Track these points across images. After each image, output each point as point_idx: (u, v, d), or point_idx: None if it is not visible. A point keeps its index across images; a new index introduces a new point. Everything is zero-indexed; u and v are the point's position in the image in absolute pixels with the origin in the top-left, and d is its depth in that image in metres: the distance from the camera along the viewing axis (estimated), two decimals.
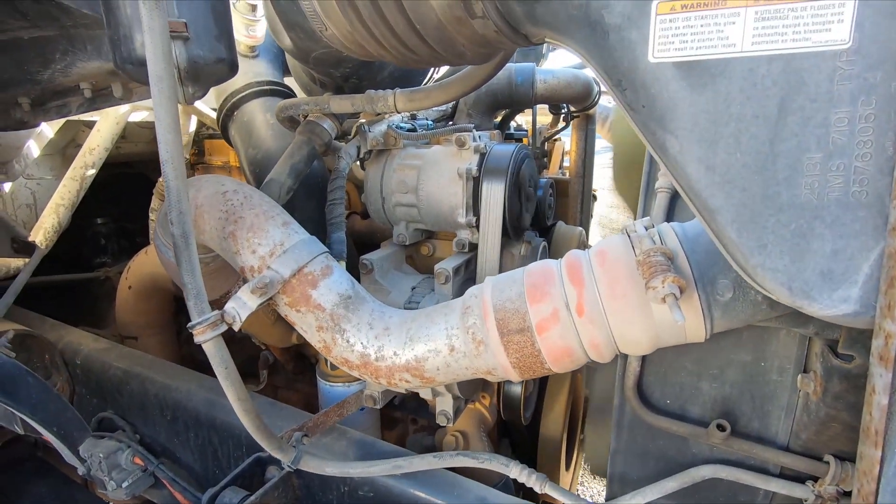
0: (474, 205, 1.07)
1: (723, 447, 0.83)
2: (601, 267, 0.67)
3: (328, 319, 0.82)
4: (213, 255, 1.03)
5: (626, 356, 0.89)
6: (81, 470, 1.37)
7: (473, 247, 1.14)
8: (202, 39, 0.73)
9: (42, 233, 1.48)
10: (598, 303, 0.66)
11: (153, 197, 1.94)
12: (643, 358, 0.87)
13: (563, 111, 1.63)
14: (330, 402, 1.41)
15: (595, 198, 1.96)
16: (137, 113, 1.72)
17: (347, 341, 0.81)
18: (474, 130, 1.11)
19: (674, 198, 0.84)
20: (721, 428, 0.80)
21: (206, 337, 0.77)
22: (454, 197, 1.07)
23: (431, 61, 0.66)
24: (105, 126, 1.56)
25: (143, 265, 1.60)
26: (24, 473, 1.91)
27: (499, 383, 1.38)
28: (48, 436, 0.75)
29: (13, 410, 0.67)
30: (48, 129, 1.50)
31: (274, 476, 1.15)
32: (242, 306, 0.79)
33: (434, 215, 1.12)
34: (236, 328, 0.80)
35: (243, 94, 1.21)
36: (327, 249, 0.88)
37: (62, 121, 1.57)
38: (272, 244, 0.83)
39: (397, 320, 0.83)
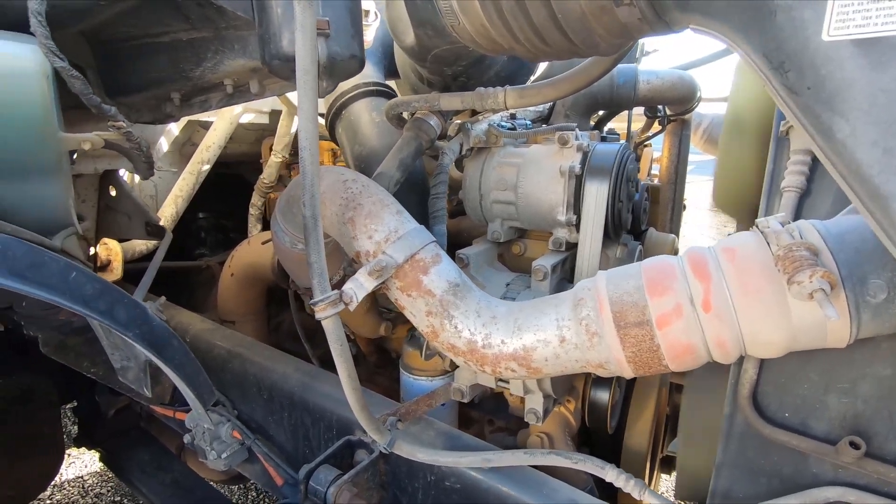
0: (575, 203, 1.07)
1: (853, 468, 0.77)
2: (731, 263, 0.65)
3: (437, 305, 0.84)
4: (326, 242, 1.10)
5: (740, 363, 0.85)
6: (188, 438, 1.49)
7: (570, 246, 1.14)
8: (340, 36, 0.79)
9: (162, 221, 1.63)
10: (727, 299, 0.64)
11: (254, 194, 2.10)
12: (761, 366, 0.83)
13: (659, 114, 1.59)
14: (412, 395, 1.44)
15: (684, 206, 1.89)
16: (247, 115, 1.87)
17: (455, 327, 0.84)
18: (576, 129, 1.11)
19: (802, 197, 0.79)
20: (855, 446, 0.74)
21: (327, 314, 0.82)
22: (554, 195, 1.08)
23: (561, 53, 0.67)
24: (221, 126, 1.71)
25: (245, 255, 1.73)
26: (130, 440, 2.10)
27: (584, 388, 1.35)
28: (187, 393, 0.82)
29: (164, 367, 0.75)
30: (175, 128, 1.67)
31: (363, 459, 1.19)
32: (360, 287, 0.83)
33: (531, 213, 1.13)
34: (352, 308, 0.84)
35: (352, 94, 1.29)
36: (435, 239, 0.92)
37: (185, 120, 1.74)
38: (387, 231, 0.87)
39: (504, 310, 0.84)
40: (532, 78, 1.33)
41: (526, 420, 1.14)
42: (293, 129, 1.90)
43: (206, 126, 1.87)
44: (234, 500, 2.56)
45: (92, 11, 0.76)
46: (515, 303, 0.86)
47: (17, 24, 0.72)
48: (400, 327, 1.66)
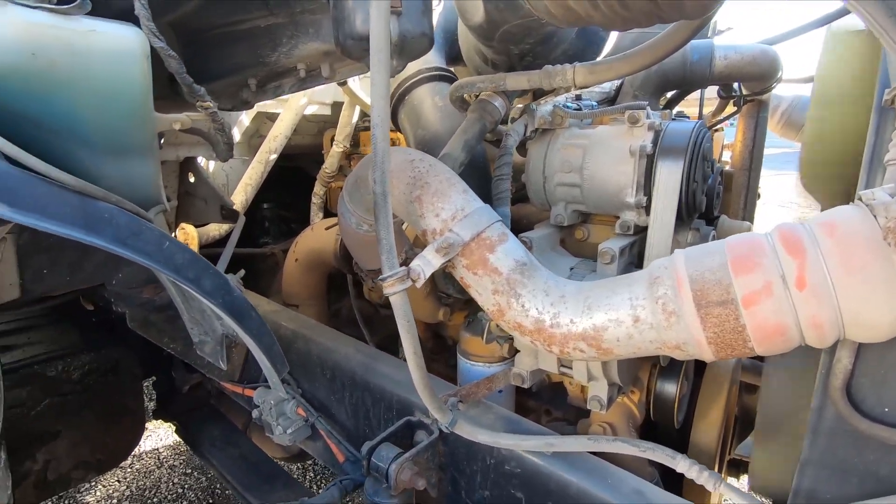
0: (645, 184, 1.03)
1: None
2: (830, 237, 0.60)
3: (504, 283, 0.84)
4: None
5: (831, 351, 0.79)
6: (256, 413, 1.56)
7: (638, 230, 1.10)
8: (411, 14, 0.79)
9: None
10: (825, 276, 0.59)
11: (316, 183, 2.17)
12: (857, 354, 0.76)
13: (734, 94, 1.50)
14: (469, 381, 1.44)
15: (759, 195, 1.78)
16: (310, 107, 1.93)
17: (522, 306, 0.83)
18: (648, 108, 1.07)
19: None
20: None
21: (395, 290, 0.83)
22: (623, 176, 1.04)
23: (641, 19, 0.64)
24: (287, 117, 1.78)
25: (309, 241, 1.79)
26: (201, 416, 2.23)
27: (649, 380, 1.30)
28: (263, 362, 0.86)
29: (243, 335, 0.79)
30: (245, 118, 1.76)
31: (423, 440, 1.21)
32: (427, 264, 0.84)
33: (597, 196, 1.10)
34: (419, 285, 0.85)
35: (415, 79, 1.31)
36: (501, 218, 0.91)
37: (255, 111, 1.82)
38: (454, 209, 0.88)
39: (573, 289, 0.82)
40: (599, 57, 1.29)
41: (588, 407, 1.11)
42: (354, 120, 1.95)
43: (272, 118, 1.96)
44: (294, 478, 2.67)
45: (182, 1, 0.81)
46: (585, 283, 0.84)
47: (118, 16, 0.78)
48: (457, 314, 1.67)
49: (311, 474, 2.91)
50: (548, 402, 1.60)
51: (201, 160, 1.56)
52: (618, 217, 1.11)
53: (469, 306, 1.68)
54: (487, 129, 1.11)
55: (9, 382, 1.64)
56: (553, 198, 1.17)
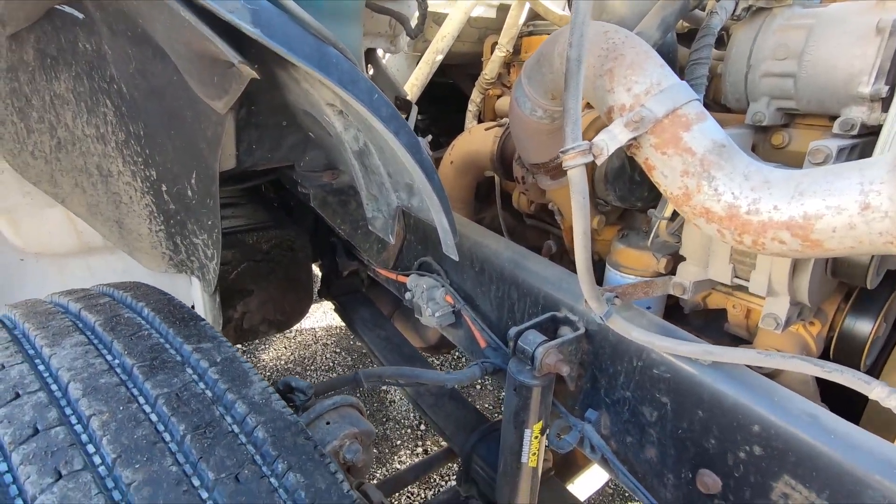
0: (890, 71, 0.85)
1: None
2: None
3: (697, 164, 0.78)
4: (558, 114, 1.09)
5: None
6: (409, 295, 1.72)
7: (864, 131, 0.93)
8: None
9: None
10: None
11: (474, 90, 2.18)
12: None
13: None
14: None
15: None
16: (477, 8, 1.90)
17: (715, 189, 0.77)
18: None
19: None
20: None
21: (575, 163, 0.82)
22: (859, 60, 0.87)
23: None
24: (455, 16, 1.78)
25: (466, 143, 1.83)
26: (355, 300, 2.54)
27: (836, 314, 1.15)
28: (441, 223, 0.93)
29: (428, 191, 0.86)
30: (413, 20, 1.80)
31: (566, 334, 1.23)
32: (612, 139, 0.81)
33: (817, 87, 0.94)
34: (600, 161, 0.83)
35: None
36: (699, 97, 0.83)
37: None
38: (649, 83, 0.82)
39: (781, 175, 0.74)
40: None
41: (761, 326, 1.03)
42: (520, 21, 1.88)
43: (439, 21, 1.97)
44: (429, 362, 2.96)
45: None
46: (797, 170, 0.74)
47: None
48: (608, 229, 1.62)
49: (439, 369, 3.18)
50: (699, 330, 1.51)
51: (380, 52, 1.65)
52: (835, 118, 0.95)
53: (623, 220, 1.61)
54: (689, 7, 0.99)
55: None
56: (755, 92, 1.02)
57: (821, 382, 1.23)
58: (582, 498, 1.71)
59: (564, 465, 1.88)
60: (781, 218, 0.71)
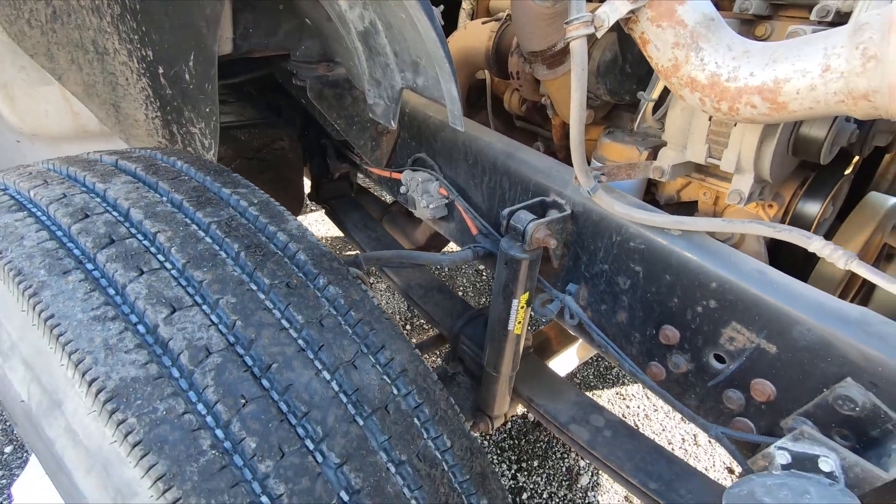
0: None
1: None
2: None
3: (687, 36, 0.86)
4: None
5: None
6: (403, 189, 1.81)
7: (839, 19, 1.01)
8: None
9: None
10: None
11: None
12: None
13: None
14: None
15: None
16: None
17: (701, 59, 0.86)
18: None
19: None
20: None
21: (577, 34, 0.89)
22: None
23: None
24: None
25: (461, 38, 1.84)
26: (346, 204, 2.61)
27: (792, 198, 1.30)
28: (449, 92, 1.00)
29: (441, 63, 0.92)
30: None
31: (555, 214, 1.35)
32: (614, 10, 0.88)
33: None
34: (600, 33, 0.90)
35: None
36: None
37: None
38: None
39: (760, 46, 0.83)
40: None
41: (728, 202, 1.16)
42: None
43: None
44: None
45: None
46: (774, 42, 0.83)
47: None
48: (595, 129, 1.70)
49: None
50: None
51: None
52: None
53: (609, 120, 1.70)
54: None
55: None
56: None
57: (777, 262, 1.40)
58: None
59: (541, 348, 2.10)
60: (755, 83, 0.81)
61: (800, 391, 0.99)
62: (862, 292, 1.59)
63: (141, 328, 0.58)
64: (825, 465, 0.82)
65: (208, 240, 0.70)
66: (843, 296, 1.46)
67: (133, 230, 0.67)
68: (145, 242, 0.66)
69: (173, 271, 0.64)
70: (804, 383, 0.98)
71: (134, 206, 0.70)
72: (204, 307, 0.61)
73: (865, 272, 0.89)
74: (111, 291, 0.60)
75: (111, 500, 0.51)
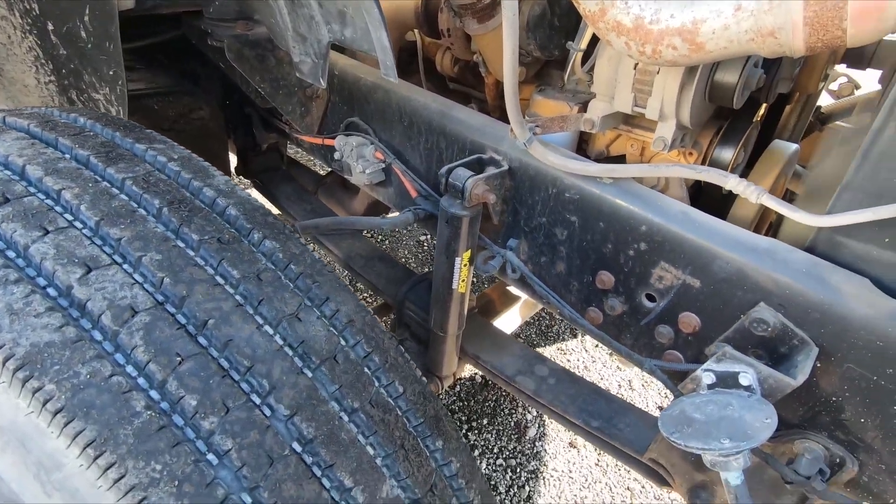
0: None
1: None
2: None
3: None
4: None
5: None
6: (337, 155, 1.75)
7: None
8: None
9: None
10: None
11: None
12: None
13: None
14: None
15: None
16: None
17: (626, 3, 0.88)
18: None
19: None
20: None
21: None
22: None
23: None
24: None
25: None
26: (275, 176, 2.49)
27: (709, 146, 1.39)
28: (380, 41, 0.96)
29: (370, 10, 0.88)
30: None
31: (492, 170, 1.36)
32: None
33: None
34: None
35: None
36: None
37: None
38: None
39: None
40: None
41: (653, 148, 1.22)
42: None
43: None
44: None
45: None
46: None
47: None
48: (527, 88, 1.72)
49: None
50: None
51: None
52: None
53: (539, 78, 1.72)
54: None
55: None
56: None
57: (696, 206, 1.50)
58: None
59: (485, 309, 2.14)
60: (675, 24, 0.84)
61: (721, 320, 1.07)
62: (770, 232, 1.75)
63: (52, 290, 0.52)
64: (744, 379, 0.90)
65: (124, 196, 0.64)
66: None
67: (31, 188, 0.60)
68: (48, 201, 0.59)
69: (85, 230, 0.58)
70: (724, 312, 1.06)
71: (30, 163, 0.62)
72: (125, 266, 0.56)
73: (774, 204, 0.97)
74: (10, 254, 0.53)
75: (33, 476, 0.46)
